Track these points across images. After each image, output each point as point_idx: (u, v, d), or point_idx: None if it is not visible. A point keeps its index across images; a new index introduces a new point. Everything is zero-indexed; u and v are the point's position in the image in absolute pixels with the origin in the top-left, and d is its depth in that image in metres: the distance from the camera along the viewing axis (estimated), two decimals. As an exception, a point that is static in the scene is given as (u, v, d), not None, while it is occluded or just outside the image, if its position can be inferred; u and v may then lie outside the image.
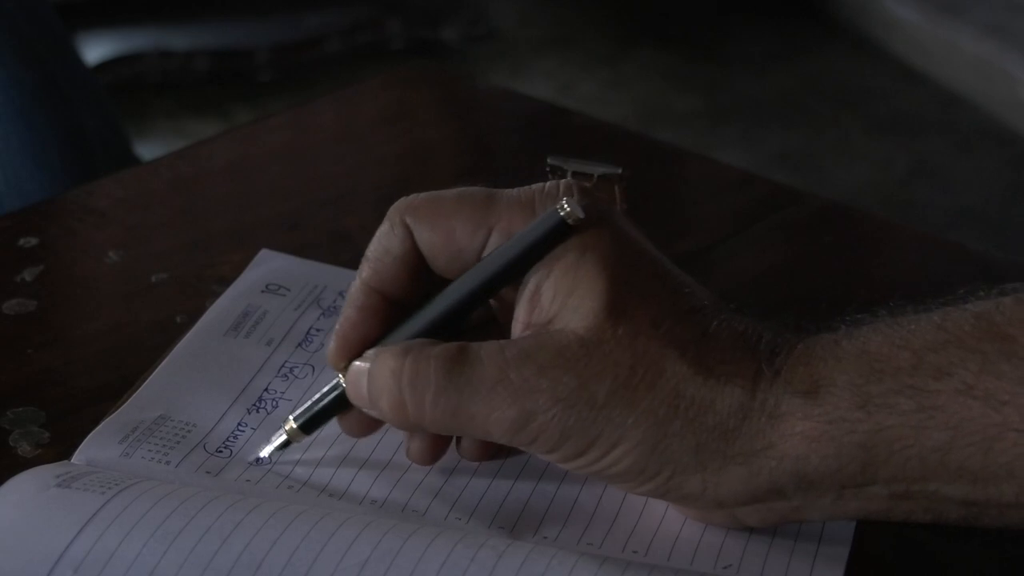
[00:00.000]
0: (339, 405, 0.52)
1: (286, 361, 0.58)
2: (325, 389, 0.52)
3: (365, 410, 0.50)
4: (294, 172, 0.78)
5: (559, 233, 0.48)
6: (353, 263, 0.65)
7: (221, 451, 0.54)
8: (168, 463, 0.52)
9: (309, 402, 0.52)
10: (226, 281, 0.64)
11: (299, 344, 0.59)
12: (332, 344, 0.51)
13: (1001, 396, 0.45)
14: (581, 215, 0.48)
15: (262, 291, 0.62)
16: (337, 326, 0.51)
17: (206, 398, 0.56)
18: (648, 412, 0.47)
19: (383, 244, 0.51)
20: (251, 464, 0.53)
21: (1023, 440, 0.44)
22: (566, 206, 0.48)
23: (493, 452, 0.53)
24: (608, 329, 0.47)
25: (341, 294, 0.62)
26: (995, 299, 0.47)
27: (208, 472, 0.52)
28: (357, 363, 0.50)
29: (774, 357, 0.47)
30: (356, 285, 0.51)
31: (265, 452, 0.53)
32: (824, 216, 0.76)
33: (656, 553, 0.50)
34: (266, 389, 0.57)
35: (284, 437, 0.53)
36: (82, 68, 1.11)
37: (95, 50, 2.38)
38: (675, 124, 2.45)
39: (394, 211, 0.51)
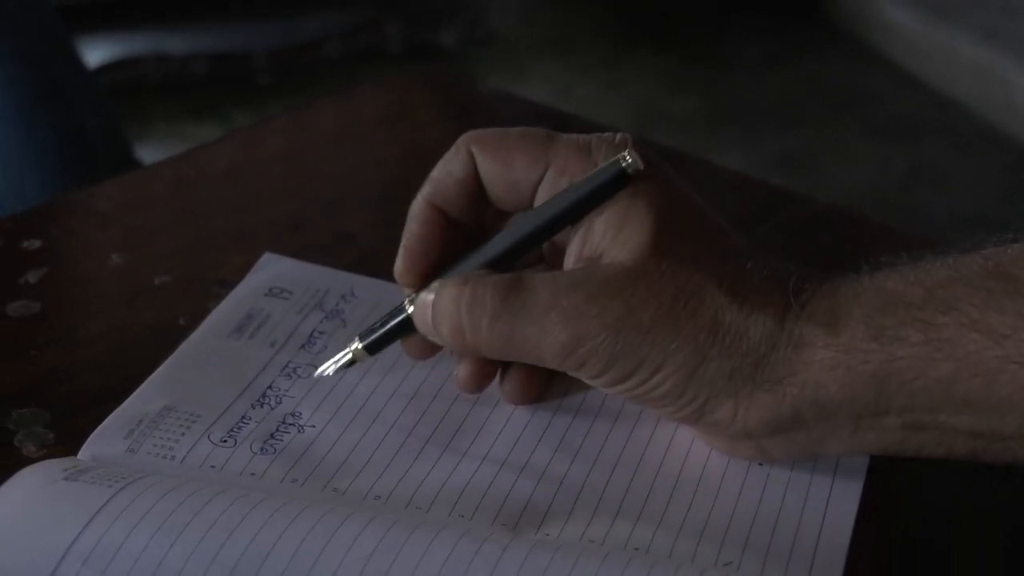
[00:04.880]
0: (403, 329, 0.55)
1: (289, 361, 0.59)
2: (390, 313, 0.55)
3: (429, 337, 0.53)
4: (295, 174, 0.79)
5: (619, 181, 0.52)
6: (354, 264, 0.66)
7: (226, 441, 0.54)
8: (173, 458, 0.53)
9: (375, 324, 0.55)
10: (228, 283, 0.64)
11: (302, 346, 0.60)
12: (399, 258, 0.55)
13: (1003, 330, 0.47)
14: (641, 166, 0.51)
15: (265, 294, 0.63)
16: (403, 241, 0.55)
17: (210, 392, 0.57)
18: (690, 337, 0.50)
19: (446, 166, 0.54)
20: (313, 378, 0.57)
21: (1023, 373, 0.47)
22: (628, 157, 0.51)
23: (536, 393, 0.56)
24: (653, 262, 0.50)
25: (344, 297, 0.63)
26: (1006, 244, 0.50)
27: (213, 466, 0.53)
28: (424, 294, 0.53)
29: (802, 293, 0.51)
30: (417, 202, 0.55)
31: (330, 369, 0.56)
32: (822, 219, 0.76)
33: (658, 549, 0.50)
34: (270, 386, 0.57)
35: (349, 356, 0.56)
36: (83, 70, 1.11)
37: (94, 53, 2.38)
38: (673, 127, 2.46)
39: (461, 140, 0.55)
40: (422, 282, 0.54)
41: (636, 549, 0.50)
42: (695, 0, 2.94)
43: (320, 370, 0.56)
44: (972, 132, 2.46)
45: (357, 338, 0.56)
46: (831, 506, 0.52)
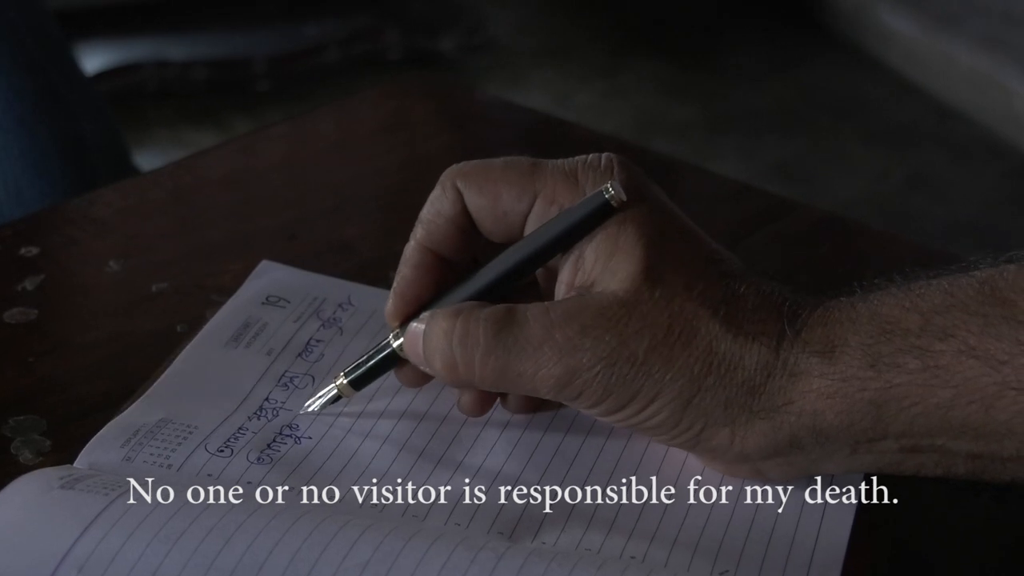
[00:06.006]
0: (388, 364, 0.55)
1: (286, 371, 0.59)
2: (375, 348, 0.55)
3: (420, 367, 0.53)
4: (293, 182, 0.79)
5: (603, 213, 0.51)
6: (353, 273, 0.66)
7: (222, 451, 0.54)
8: (170, 467, 0.53)
9: (360, 360, 0.55)
10: (226, 290, 0.64)
11: (299, 354, 0.60)
12: (390, 302, 0.54)
13: (1000, 356, 0.47)
14: (624, 198, 0.51)
15: (262, 303, 0.63)
16: (394, 285, 0.54)
17: (208, 404, 0.56)
18: (684, 368, 0.50)
19: (435, 207, 0.54)
20: (299, 414, 0.56)
21: (1021, 398, 0.47)
22: (611, 189, 0.51)
23: (537, 405, 0.56)
24: (645, 291, 0.50)
25: (341, 306, 0.63)
26: (1001, 266, 0.49)
27: (210, 475, 0.53)
28: (414, 324, 0.53)
29: (796, 319, 0.50)
30: (411, 246, 0.54)
31: (315, 406, 0.56)
32: (820, 227, 0.76)
33: (654, 558, 0.50)
34: (267, 398, 0.57)
35: (334, 392, 0.56)
36: (82, 77, 1.11)
37: (93, 60, 2.38)
38: (672, 135, 2.46)
39: (446, 176, 0.54)
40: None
41: (632, 558, 0.50)
42: (694, 8, 2.94)
43: (306, 406, 0.56)
44: (971, 140, 2.47)
45: (342, 373, 0.56)
46: (827, 516, 0.52)
